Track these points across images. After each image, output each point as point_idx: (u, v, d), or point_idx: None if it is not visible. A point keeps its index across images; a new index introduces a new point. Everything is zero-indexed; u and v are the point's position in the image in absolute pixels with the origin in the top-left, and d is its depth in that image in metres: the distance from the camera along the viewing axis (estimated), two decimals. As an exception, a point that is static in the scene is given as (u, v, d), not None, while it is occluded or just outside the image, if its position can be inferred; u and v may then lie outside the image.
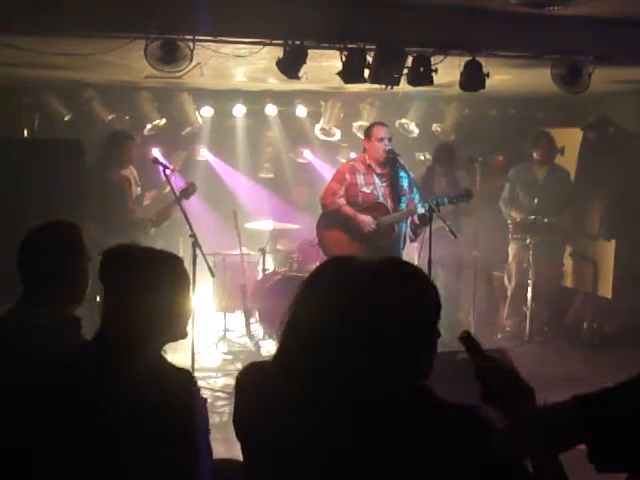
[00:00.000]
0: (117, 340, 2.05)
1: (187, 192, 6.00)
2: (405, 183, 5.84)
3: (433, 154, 7.58)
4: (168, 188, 6.44)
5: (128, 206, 6.34)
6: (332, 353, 1.77)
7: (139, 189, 6.70)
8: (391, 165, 5.79)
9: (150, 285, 2.07)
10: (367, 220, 5.73)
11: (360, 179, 5.80)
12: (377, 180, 5.81)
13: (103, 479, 1.96)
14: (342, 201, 5.81)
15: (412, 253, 6.20)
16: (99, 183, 6.10)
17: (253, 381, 1.90)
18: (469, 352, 1.84)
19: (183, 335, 2.17)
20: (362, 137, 6.11)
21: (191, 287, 2.20)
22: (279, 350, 1.92)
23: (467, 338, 1.85)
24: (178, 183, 6.14)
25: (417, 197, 5.87)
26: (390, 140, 5.77)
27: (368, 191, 5.80)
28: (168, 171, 5.50)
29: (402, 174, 5.81)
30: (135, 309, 2.05)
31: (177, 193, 5.70)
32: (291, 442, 1.76)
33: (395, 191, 5.81)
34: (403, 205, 5.81)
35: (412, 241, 5.99)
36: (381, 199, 5.80)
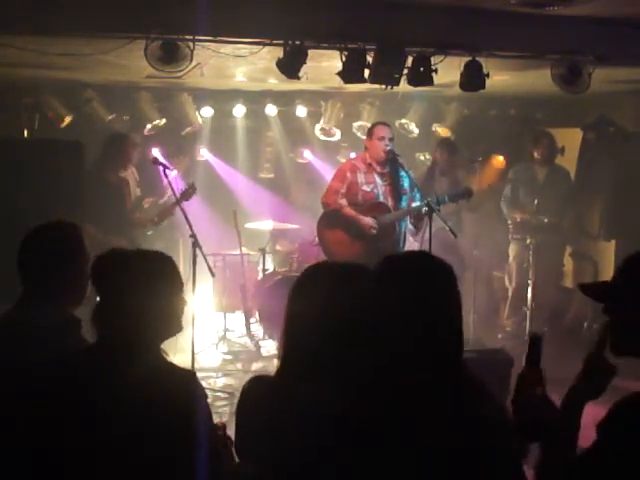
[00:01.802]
0: (115, 342, 2.05)
1: (187, 193, 5.98)
2: (406, 183, 5.84)
3: (434, 151, 7.58)
4: (166, 197, 6.42)
5: (126, 207, 6.32)
6: (342, 355, 1.79)
7: (139, 190, 6.67)
8: (391, 165, 5.79)
9: (142, 286, 2.08)
10: (369, 222, 5.73)
11: (361, 177, 5.80)
12: (378, 179, 5.81)
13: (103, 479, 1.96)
14: (344, 202, 5.81)
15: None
16: (98, 185, 6.07)
17: (261, 399, 1.92)
18: (530, 353, 1.83)
19: (179, 330, 2.18)
20: (362, 137, 6.11)
21: (183, 284, 2.21)
22: (284, 364, 1.93)
23: (537, 341, 1.84)
24: (178, 184, 6.12)
25: (418, 196, 5.88)
26: (391, 140, 5.76)
27: (368, 189, 5.80)
28: (168, 171, 5.50)
29: (402, 174, 5.81)
30: (130, 311, 2.06)
31: (177, 194, 5.69)
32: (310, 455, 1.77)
33: (396, 190, 5.81)
34: (404, 204, 5.82)
35: (414, 235, 5.97)
36: (381, 198, 5.80)
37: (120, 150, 6.41)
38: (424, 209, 5.57)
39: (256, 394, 1.96)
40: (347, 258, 5.69)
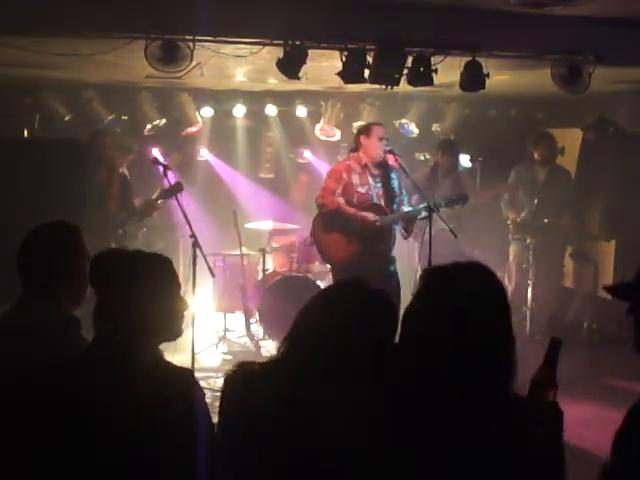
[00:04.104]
0: (114, 342, 2.05)
1: (172, 190, 5.66)
2: (395, 184, 5.78)
3: (437, 151, 7.57)
4: (153, 196, 6.32)
5: (109, 208, 6.18)
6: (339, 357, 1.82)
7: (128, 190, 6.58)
8: (384, 166, 5.75)
9: (140, 286, 2.08)
10: (370, 216, 5.67)
11: (356, 179, 5.72)
12: (371, 181, 5.74)
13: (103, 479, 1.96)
14: (341, 200, 5.73)
15: (413, 254, 6.19)
16: (89, 184, 6.01)
17: (250, 386, 1.93)
18: (546, 355, 1.84)
19: (178, 334, 2.18)
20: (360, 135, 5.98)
21: (181, 285, 2.21)
22: (285, 355, 1.94)
23: (556, 344, 1.85)
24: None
25: (406, 199, 5.82)
26: (387, 141, 5.73)
27: (363, 191, 5.72)
28: (168, 171, 5.47)
29: (393, 175, 5.76)
30: (128, 311, 2.05)
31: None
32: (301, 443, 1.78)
33: (388, 192, 5.75)
34: (395, 206, 5.76)
35: (405, 238, 5.92)
36: (375, 200, 5.75)
37: (97, 146, 6.28)
38: (423, 213, 5.55)
39: (244, 385, 1.99)
40: (342, 259, 5.65)
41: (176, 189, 5.71)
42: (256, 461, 1.88)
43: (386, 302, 1.98)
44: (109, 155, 6.36)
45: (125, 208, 6.25)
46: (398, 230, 5.83)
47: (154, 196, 5.86)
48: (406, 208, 5.75)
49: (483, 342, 1.74)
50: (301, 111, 8.24)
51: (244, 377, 2.00)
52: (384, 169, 5.74)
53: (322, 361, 1.86)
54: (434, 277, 1.87)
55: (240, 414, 1.93)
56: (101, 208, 6.05)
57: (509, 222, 7.43)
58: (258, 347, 7.09)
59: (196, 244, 5.09)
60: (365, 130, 5.82)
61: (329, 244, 5.81)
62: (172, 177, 5.80)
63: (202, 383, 2.26)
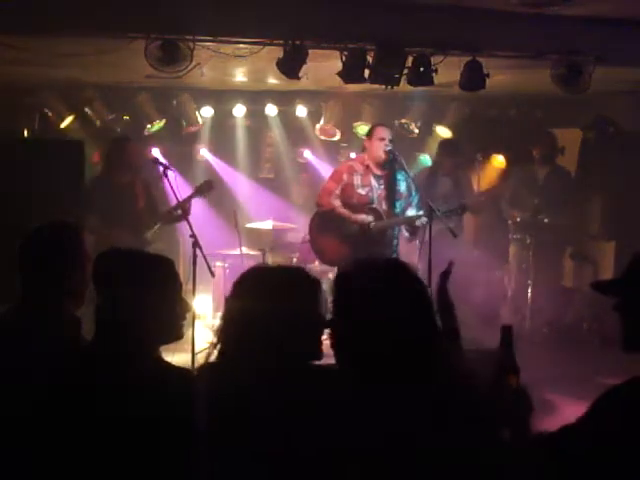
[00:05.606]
0: (114, 342, 2.06)
1: (202, 189, 5.80)
2: (402, 186, 5.78)
3: (437, 151, 7.57)
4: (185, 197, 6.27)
5: (138, 207, 6.20)
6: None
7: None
8: (390, 167, 5.76)
9: (143, 287, 2.08)
10: (364, 218, 5.71)
11: (357, 180, 5.77)
12: (374, 182, 5.77)
13: (102, 479, 1.96)
14: (337, 202, 5.79)
15: (413, 254, 6.19)
16: (106, 188, 6.04)
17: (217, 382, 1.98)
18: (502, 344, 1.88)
19: (179, 336, 2.19)
20: (363, 137, 6.08)
21: (182, 285, 2.21)
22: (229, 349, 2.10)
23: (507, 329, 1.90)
24: (178, 184, 6.00)
25: (416, 200, 5.82)
26: (391, 142, 5.74)
27: (363, 193, 5.75)
28: (169, 171, 5.46)
29: (400, 176, 5.77)
30: (129, 311, 2.06)
31: (177, 194, 5.61)
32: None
33: (391, 194, 5.76)
34: (398, 209, 5.77)
35: (410, 241, 5.95)
36: (376, 202, 5.76)
37: (121, 152, 6.32)
38: (418, 221, 5.55)
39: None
40: (337, 260, 5.68)
41: (206, 187, 5.74)
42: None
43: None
44: (131, 160, 6.36)
45: (149, 210, 6.24)
46: (402, 234, 5.85)
47: (184, 198, 5.77)
48: (411, 211, 5.76)
49: (402, 339, 1.78)
50: (301, 111, 8.24)
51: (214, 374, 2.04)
52: (390, 170, 5.75)
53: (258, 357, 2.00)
54: (344, 278, 1.95)
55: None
56: (125, 207, 6.07)
57: (509, 222, 7.43)
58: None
59: (196, 244, 5.09)
60: (369, 132, 5.99)
61: (323, 245, 5.90)
62: (175, 176, 5.79)
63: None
